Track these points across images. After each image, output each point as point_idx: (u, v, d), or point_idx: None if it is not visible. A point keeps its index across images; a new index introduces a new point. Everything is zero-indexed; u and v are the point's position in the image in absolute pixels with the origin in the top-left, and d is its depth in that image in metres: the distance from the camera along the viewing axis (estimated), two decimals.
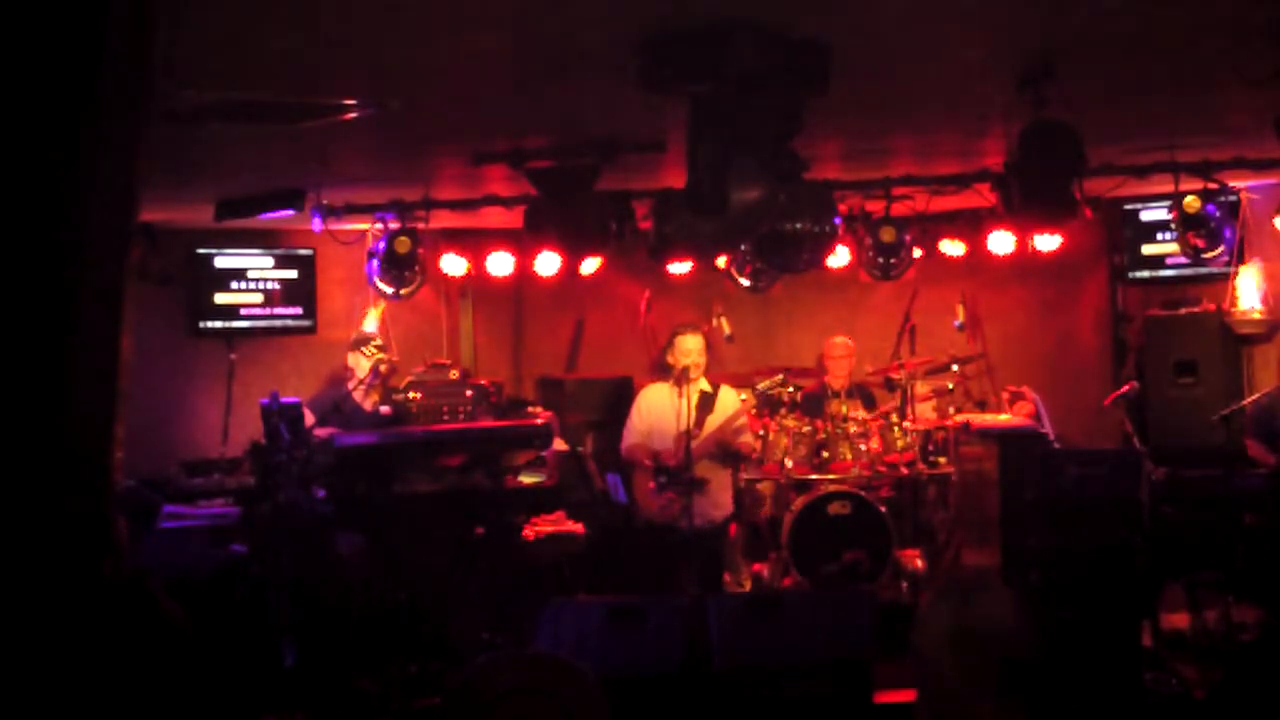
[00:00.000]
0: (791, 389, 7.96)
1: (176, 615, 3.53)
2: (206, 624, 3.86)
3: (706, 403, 7.49)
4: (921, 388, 8.54)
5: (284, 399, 6.72)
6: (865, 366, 8.79)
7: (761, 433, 8.00)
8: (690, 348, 7.37)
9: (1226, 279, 8.21)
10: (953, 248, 8.67)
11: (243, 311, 8.66)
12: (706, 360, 7.64)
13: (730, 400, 7.71)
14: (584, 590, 6.98)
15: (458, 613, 6.66)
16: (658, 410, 7.46)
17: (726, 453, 7.73)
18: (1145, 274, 8.79)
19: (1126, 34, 4.44)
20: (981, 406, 8.60)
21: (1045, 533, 6.51)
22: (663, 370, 7.51)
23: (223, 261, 8.61)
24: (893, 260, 7.89)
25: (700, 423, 7.47)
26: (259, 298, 8.72)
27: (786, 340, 9.81)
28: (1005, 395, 8.35)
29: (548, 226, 6.54)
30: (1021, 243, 8.42)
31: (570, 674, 2.09)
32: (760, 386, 7.66)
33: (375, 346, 7.82)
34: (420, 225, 7.70)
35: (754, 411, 7.91)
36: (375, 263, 7.67)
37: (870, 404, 8.53)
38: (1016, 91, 4.95)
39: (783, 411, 8.07)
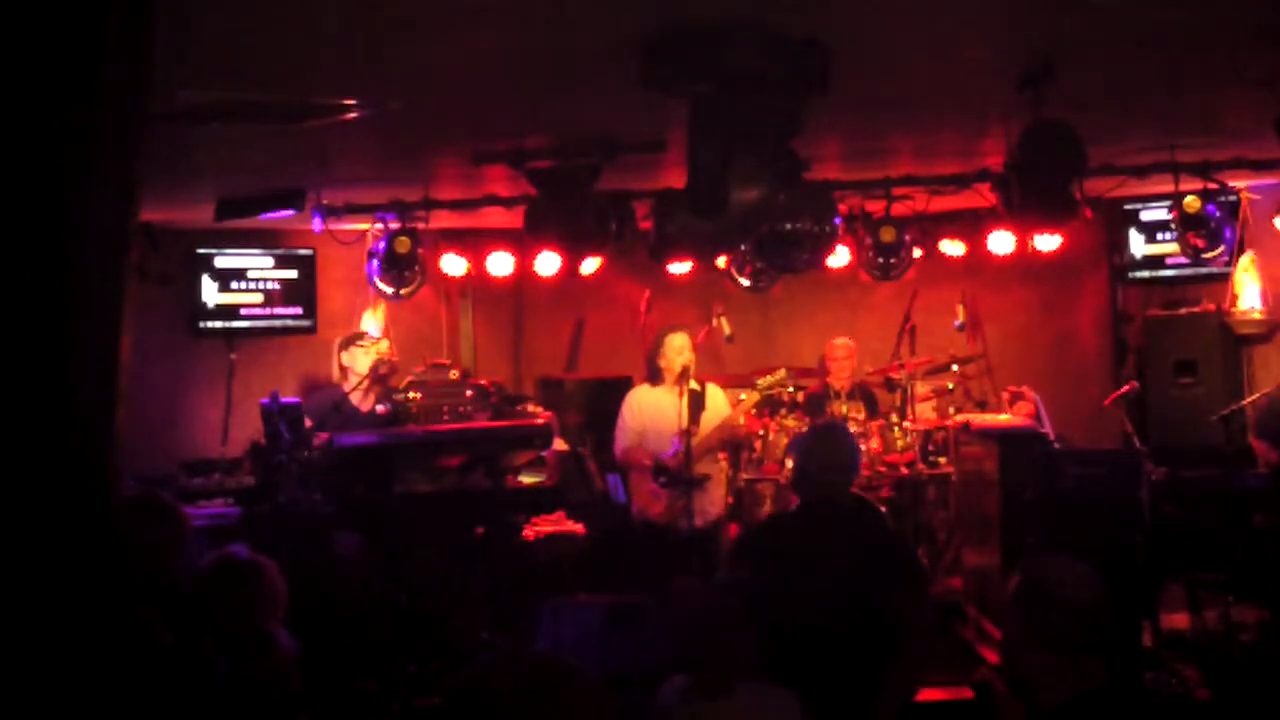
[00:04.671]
0: (793, 388, 7.96)
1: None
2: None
3: (697, 400, 7.51)
4: (921, 388, 8.54)
5: (284, 399, 6.71)
6: (865, 366, 8.79)
7: (761, 432, 8.00)
8: (681, 345, 7.37)
9: (1226, 279, 8.21)
10: (953, 248, 8.67)
11: (243, 311, 8.66)
12: (694, 359, 7.63)
13: (720, 398, 7.72)
14: (584, 590, 6.98)
15: (458, 613, 6.66)
16: (651, 411, 7.46)
17: (734, 442, 7.76)
18: (1145, 274, 8.79)
19: (1126, 34, 4.44)
20: (981, 406, 8.59)
21: (1045, 533, 6.50)
22: (654, 374, 7.50)
23: (223, 261, 8.61)
24: (893, 260, 7.88)
25: (696, 420, 7.47)
26: (259, 298, 8.73)
27: (786, 340, 9.81)
28: (1005, 395, 8.34)
29: (548, 226, 6.54)
30: (1021, 243, 8.42)
31: (570, 674, 2.09)
32: (761, 384, 7.66)
33: (369, 341, 7.82)
34: (420, 225, 7.69)
35: (754, 411, 7.91)
36: (375, 263, 7.66)
37: (871, 404, 8.53)
38: (1016, 91, 4.95)
39: (783, 411, 8.07)
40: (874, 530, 4.82)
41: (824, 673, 4.33)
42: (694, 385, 7.42)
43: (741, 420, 7.68)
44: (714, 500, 7.46)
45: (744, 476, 8.07)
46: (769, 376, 7.69)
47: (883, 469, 7.99)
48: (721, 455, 7.71)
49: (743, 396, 7.90)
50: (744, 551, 5.41)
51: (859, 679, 4.43)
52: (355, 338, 7.93)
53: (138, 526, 3.89)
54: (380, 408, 7.50)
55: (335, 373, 7.91)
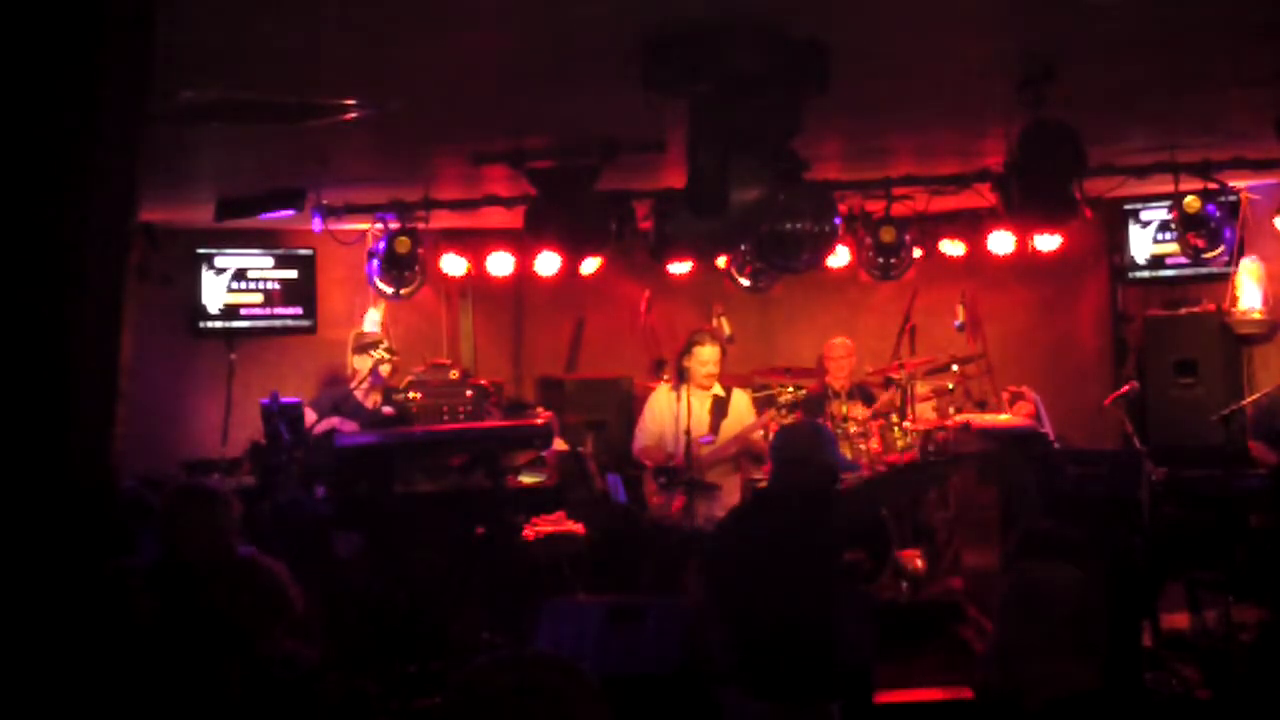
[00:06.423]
0: (793, 389, 7.98)
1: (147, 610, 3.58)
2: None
3: (720, 407, 7.54)
4: (921, 388, 8.53)
5: (284, 399, 6.72)
6: (865, 366, 8.79)
7: (762, 433, 8.00)
8: (707, 358, 7.45)
9: (1226, 279, 8.21)
10: (953, 248, 8.67)
11: (243, 311, 8.67)
12: (720, 370, 7.69)
13: (744, 405, 7.74)
14: (584, 590, 6.98)
15: (458, 613, 6.66)
16: (669, 414, 7.50)
17: (751, 455, 7.76)
18: (1145, 274, 8.79)
19: (1126, 34, 4.44)
20: (981, 406, 8.59)
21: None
22: (679, 373, 7.54)
23: (223, 261, 8.61)
24: (893, 260, 7.88)
25: (715, 427, 7.50)
26: (259, 298, 8.73)
27: (786, 340, 9.81)
28: (1005, 395, 8.34)
29: (548, 226, 6.54)
30: (1021, 243, 8.41)
31: (570, 674, 2.09)
32: (781, 398, 7.72)
33: (386, 349, 7.83)
34: (420, 225, 7.69)
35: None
36: (375, 263, 7.67)
37: (870, 404, 8.53)
38: (1016, 91, 4.95)
39: (784, 412, 8.07)
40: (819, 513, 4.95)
41: (776, 651, 4.42)
42: (719, 391, 7.48)
43: (760, 435, 7.69)
44: (726, 506, 7.48)
45: (744, 477, 8.08)
46: (788, 394, 7.76)
47: (882, 469, 7.99)
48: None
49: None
50: (704, 561, 5.40)
51: (809, 655, 4.51)
52: (371, 345, 7.94)
53: (184, 512, 3.92)
54: (386, 409, 7.52)
55: (350, 369, 7.98)
